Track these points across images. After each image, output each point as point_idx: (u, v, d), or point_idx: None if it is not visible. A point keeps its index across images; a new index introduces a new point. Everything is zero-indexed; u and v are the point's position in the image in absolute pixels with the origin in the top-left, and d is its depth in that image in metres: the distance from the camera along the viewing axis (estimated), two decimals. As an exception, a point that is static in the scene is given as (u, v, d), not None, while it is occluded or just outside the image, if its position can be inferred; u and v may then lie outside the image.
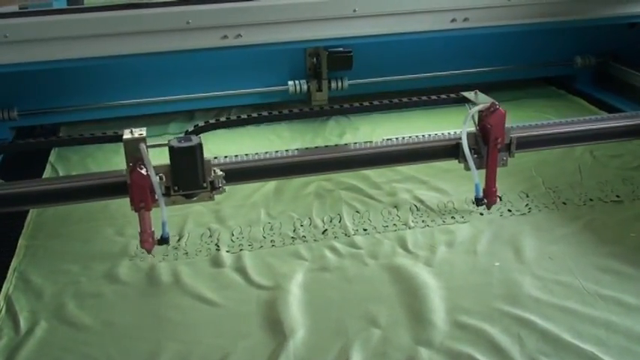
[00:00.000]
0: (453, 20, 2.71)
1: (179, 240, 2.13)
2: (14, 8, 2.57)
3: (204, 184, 1.86)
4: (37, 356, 1.65)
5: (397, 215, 2.22)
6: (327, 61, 2.95)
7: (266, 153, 2.03)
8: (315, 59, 3.02)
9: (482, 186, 2.04)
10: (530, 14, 2.78)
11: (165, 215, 1.84)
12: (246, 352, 1.64)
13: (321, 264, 1.98)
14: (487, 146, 1.98)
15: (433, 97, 2.17)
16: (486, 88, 3.07)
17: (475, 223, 2.16)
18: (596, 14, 2.89)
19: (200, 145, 1.83)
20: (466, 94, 2.10)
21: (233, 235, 2.14)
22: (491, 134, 1.96)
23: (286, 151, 2.04)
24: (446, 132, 2.10)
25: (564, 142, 2.17)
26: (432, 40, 2.95)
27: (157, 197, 1.79)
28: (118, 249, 2.08)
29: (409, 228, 2.14)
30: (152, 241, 1.87)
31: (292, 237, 2.12)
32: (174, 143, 1.81)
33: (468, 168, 2.00)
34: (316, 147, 2.08)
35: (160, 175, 1.81)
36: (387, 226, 2.16)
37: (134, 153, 1.78)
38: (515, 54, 3.18)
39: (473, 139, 2.00)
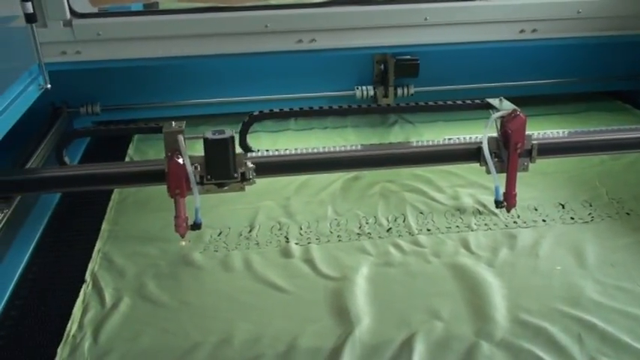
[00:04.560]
0: (522, 31, 2.77)
1: (250, 231, 2.25)
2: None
3: (236, 175, 1.98)
4: (122, 328, 1.80)
5: (460, 218, 2.30)
6: (395, 68, 3.04)
7: (295, 149, 2.14)
8: (382, 66, 3.11)
9: (502, 189, 2.09)
10: (599, 27, 2.81)
11: (198, 202, 1.94)
12: (315, 336, 1.74)
13: (385, 259, 2.07)
14: (507, 151, 2.04)
15: (458, 102, 2.23)
16: (551, 100, 3.14)
17: (537, 228, 2.21)
18: (666, 29, 2.90)
19: (232, 138, 1.95)
20: (491, 100, 2.15)
21: (301, 229, 2.26)
22: (511, 139, 2.02)
23: (313, 148, 2.14)
24: (469, 136, 2.17)
25: (585, 150, 2.19)
26: (499, 50, 3.01)
27: (191, 185, 1.92)
28: (193, 236, 2.21)
29: (472, 230, 2.21)
30: (186, 226, 1.99)
31: (358, 233, 2.22)
32: (209, 135, 1.94)
33: (489, 171, 2.07)
34: (342, 146, 2.17)
35: (195, 164, 1.93)
36: (450, 227, 2.24)
37: (173, 144, 1.91)
38: (581, 66, 3.20)
39: (494, 143, 2.06)
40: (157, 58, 2.66)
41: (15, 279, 2.00)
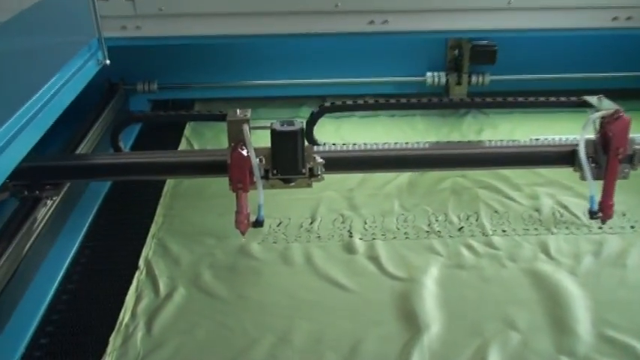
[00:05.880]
0: (615, 19, 2.65)
1: (312, 223, 2.23)
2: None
3: (303, 170, 1.93)
4: (176, 319, 1.80)
5: (539, 219, 2.22)
6: (470, 54, 2.96)
7: (368, 145, 2.09)
8: (456, 51, 3.04)
9: (598, 198, 2.00)
10: (701, 16, 2.67)
11: (262, 198, 1.90)
12: (380, 340, 1.71)
13: (456, 261, 2.02)
14: (607, 156, 1.94)
15: (552, 99, 2.15)
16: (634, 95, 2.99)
17: (625, 235, 2.11)
18: None
19: (302, 131, 1.89)
20: (589, 98, 2.06)
21: (366, 223, 2.22)
22: (612, 143, 1.92)
23: (385, 144, 2.09)
24: (563, 137, 2.09)
25: None
26: (587, 39, 2.90)
27: (255, 179, 1.87)
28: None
29: (552, 234, 2.13)
30: (247, 222, 1.95)
31: (427, 231, 2.17)
32: (277, 127, 1.89)
33: (584, 177, 1.97)
34: (416, 143, 2.11)
35: (260, 157, 1.89)
36: (527, 229, 2.16)
37: (237, 134, 1.86)
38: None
39: (592, 146, 1.97)
40: (219, 36, 2.65)
41: (67, 263, 2.02)
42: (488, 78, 3.04)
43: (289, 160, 1.92)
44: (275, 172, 1.93)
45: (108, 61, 2.41)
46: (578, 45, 2.98)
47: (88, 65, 2.31)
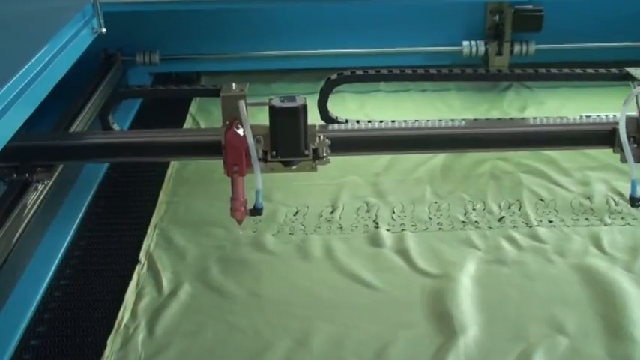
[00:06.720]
0: (682, -23, 2.62)
1: (333, 212, 2.23)
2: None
3: (307, 152, 1.92)
4: (181, 319, 1.81)
5: (590, 208, 2.21)
6: (513, 20, 2.93)
7: (381, 122, 2.07)
8: (497, 17, 3.01)
9: None
10: None
11: (260, 182, 1.88)
12: (409, 344, 1.70)
13: (496, 255, 2.01)
14: None
15: (589, 70, 2.12)
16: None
17: (688, 227, 2.10)
18: None
19: (304, 107, 1.87)
20: (631, 70, 2.04)
21: (394, 212, 2.22)
22: None
23: (404, 121, 2.07)
24: (602, 115, 2.07)
25: None
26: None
27: (252, 162, 1.86)
28: (265, 215, 2.16)
29: (605, 225, 2.12)
30: (244, 210, 1.94)
31: (463, 221, 2.16)
32: (276, 102, 1.87)
33: (624, 160, 1.95)
34: (443, 120, 2.10)
35: (258, 137, 1.87)
36: (577, 219, 2.16)
37: (232, 111, 1.85)
38: None
39: (634, 125, 1.94)
40: (228, 0, 2.64)
41: (59, 255, 2.04)
42: (532, 47, 3.02)
43: (290, 140, 1.90)
44: (274, 153, 1.92)
45: (104, 30, 2.40)
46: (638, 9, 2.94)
47: (81, 34, 2.30)
